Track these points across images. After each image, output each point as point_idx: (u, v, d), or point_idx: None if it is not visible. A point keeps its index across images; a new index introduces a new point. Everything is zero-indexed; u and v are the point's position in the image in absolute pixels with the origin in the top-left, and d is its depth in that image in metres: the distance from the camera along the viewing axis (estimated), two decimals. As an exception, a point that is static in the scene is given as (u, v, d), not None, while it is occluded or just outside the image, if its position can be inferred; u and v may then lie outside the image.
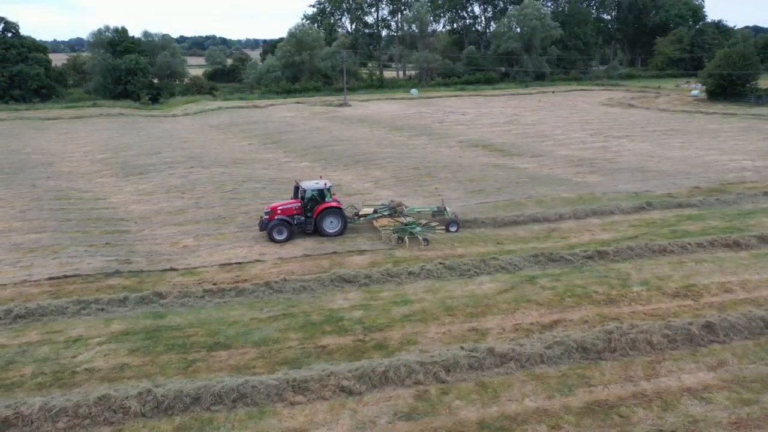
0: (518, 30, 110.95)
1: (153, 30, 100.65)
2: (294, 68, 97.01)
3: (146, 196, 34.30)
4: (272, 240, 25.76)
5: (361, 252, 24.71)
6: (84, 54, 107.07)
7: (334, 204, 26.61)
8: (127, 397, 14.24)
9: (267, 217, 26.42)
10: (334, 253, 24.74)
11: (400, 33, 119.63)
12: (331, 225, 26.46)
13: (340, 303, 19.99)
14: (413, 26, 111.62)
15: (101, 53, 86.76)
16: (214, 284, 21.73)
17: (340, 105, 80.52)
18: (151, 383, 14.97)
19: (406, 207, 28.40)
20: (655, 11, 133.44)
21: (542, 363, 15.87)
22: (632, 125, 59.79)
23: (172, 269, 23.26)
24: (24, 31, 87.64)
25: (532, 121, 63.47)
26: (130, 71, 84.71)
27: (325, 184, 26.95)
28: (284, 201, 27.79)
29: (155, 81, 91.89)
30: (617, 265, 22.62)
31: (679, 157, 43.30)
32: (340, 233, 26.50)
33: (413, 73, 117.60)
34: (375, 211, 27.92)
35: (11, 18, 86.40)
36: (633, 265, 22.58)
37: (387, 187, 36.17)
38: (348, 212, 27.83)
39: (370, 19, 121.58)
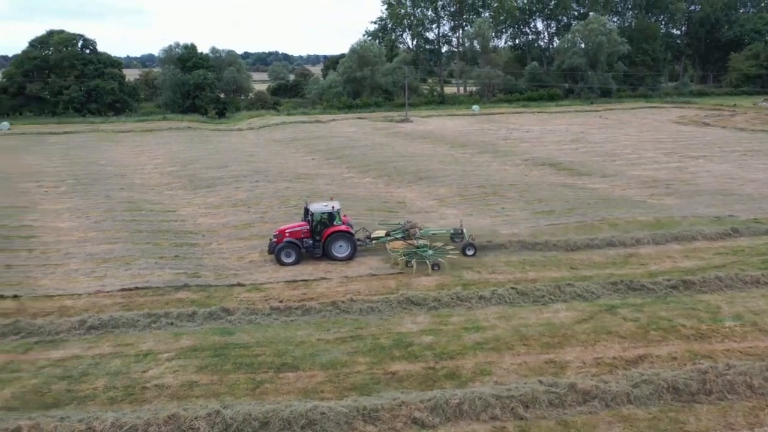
0: (583, 45, 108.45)
1: (220, 46, 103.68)
2: (355, 84, 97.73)
3: (213, 209, 34.73)
4: (280, 263, 25.05)
5: (429, 273, 24.02)
6: (155, 69, 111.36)
7: (343, 227, 25.75)
8: (196, 418, 14.00)
9: (275, 239, 25.82)
10: (401, 273, 24.17)
11: (461, 49, 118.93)
12: (340, 249, 25.57)
13: (408, 326, 19.35)
14: (475, 42, 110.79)
15: (171, 69, 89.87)
16: (281, 302, 21.53)
17: (402, 121, 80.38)
18: (220, 404, 14.70)
19: (420, 229, 27.21)
20: (729, 26, 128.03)
21: (629, 403, 14.74)
22: (709, 145, 56.96)
23: (239, 284, 23.22)
24: (101, 47, 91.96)
25: (600, 140, 61.44)
26: (198, 86, 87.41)
27: (333, 207, 26.16)
28: (293, 223, 27.16)
29: (221, 96, 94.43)
30: (705, 297, 21.10)
31: (763, 180, 40.74)
32: (349, 258, 25.56)
33: (474, 89, 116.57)
34: (387, 234, 26.97)
35: (89, 35, 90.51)
36: (723, 297, 21.01)
37: (452, 205, 35.42)
38: (360, 235, 27.05)
39: (431, 35, 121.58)
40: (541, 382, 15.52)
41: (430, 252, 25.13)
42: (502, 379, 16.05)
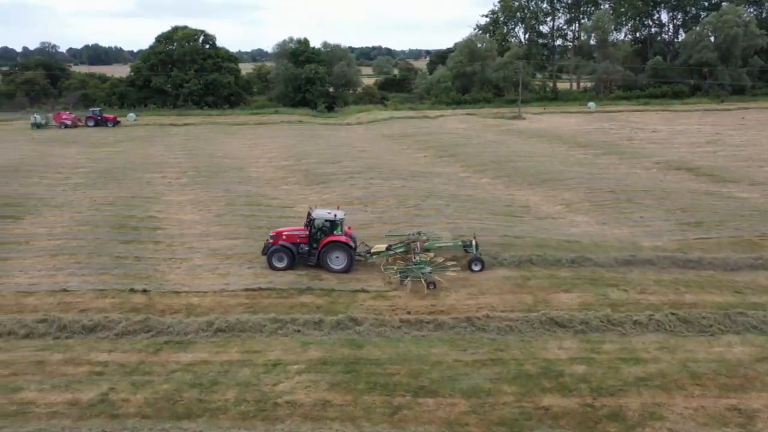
0: (713, 38, 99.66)
1: (331, 41, 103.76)
2: (465, 79, 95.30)
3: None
4: (271, 267, 23.69)
5: (568, 289, 21.76)
6: (268, 64, 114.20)
7: (342, 238, 23.89)
8: (333, 445, 12.81)
9: (271, 241, 24.45)
10: (536, 287, 22.07)
11: (576, 43, 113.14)
12: (336, 261, 23.77)
13: (555, 352, 17.31)
14: (592, 36, 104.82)
15: (284, 63, 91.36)
16: (408, 312, 20.15)
17: (514, 117, 77.24)
18: (357, 430, 13.44)
19: (426, 241, 24.61)
20: None
21: None
22: None
23: (363, 291, 22.05)
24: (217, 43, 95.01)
25: (740, 142, 55.58)
26: (309, 80, 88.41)
27: (336, 215, 24.36)
28: (292, 227, 25.68)
29: (330, 90, 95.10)
30: None
31: None
32: (345, 271, 23.63)
33: (589, 84, 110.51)
34: (389, 248, 24.69)
35: (210, 31, 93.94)
36: None
37: (581, 211, 32.68)
38: (360, 249, 25.05)
39: (544, 29, 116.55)
40: (729, 436, 13.08)
41: (428, 269, 22.56)
42: (677, 427, 13.75)
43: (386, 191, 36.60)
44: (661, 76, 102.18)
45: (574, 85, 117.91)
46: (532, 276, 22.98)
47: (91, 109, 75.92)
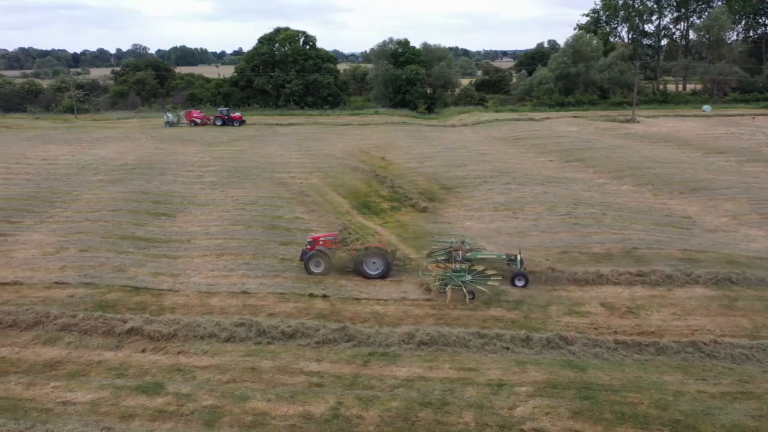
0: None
1: (431, 41, 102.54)
2: (568, 80, 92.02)
3: (476, 213, 32.80)
4: (308, 272, 23.48)
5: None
6: (362, 65, 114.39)
7: (377, 243, 23.49)
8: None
9: (309, 246, 24.04)
10: (748, 309, 20.03)
11: (685, 42, 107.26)
12: (373, 266, 23.26)
13: (822, 389, 15.35)
14: (704, 35, 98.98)
15: (384, 64, 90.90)
16: (615, 332, 18.62)
17: (627, 121, 73.63)
18: (631, 470, 12.10)
19: (467, 251, 23.17)
20: None
21: None
22: None
23: (553, 304, 20.68)
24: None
25: None
26: (409, 81, 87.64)
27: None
28: (330, 232, 25.46)
29: (429, 90, 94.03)
30: None
31: None
32: (382, 277, 23.07)
33: (699, 86, 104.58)
34: (429, 254, 23.73)
35: (310, 32, 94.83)
36: None
37: (753, 224, 30.06)
38: (400, 254, 24.59)
39: (649, 28, 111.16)
40: None
41: (468, 278, 21.31)
42: None
43: (529, 197, 35.02)
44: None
45: (680, 86, 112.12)
46: (737, 296, 20.96)
47: (219, 109, 78.24)
